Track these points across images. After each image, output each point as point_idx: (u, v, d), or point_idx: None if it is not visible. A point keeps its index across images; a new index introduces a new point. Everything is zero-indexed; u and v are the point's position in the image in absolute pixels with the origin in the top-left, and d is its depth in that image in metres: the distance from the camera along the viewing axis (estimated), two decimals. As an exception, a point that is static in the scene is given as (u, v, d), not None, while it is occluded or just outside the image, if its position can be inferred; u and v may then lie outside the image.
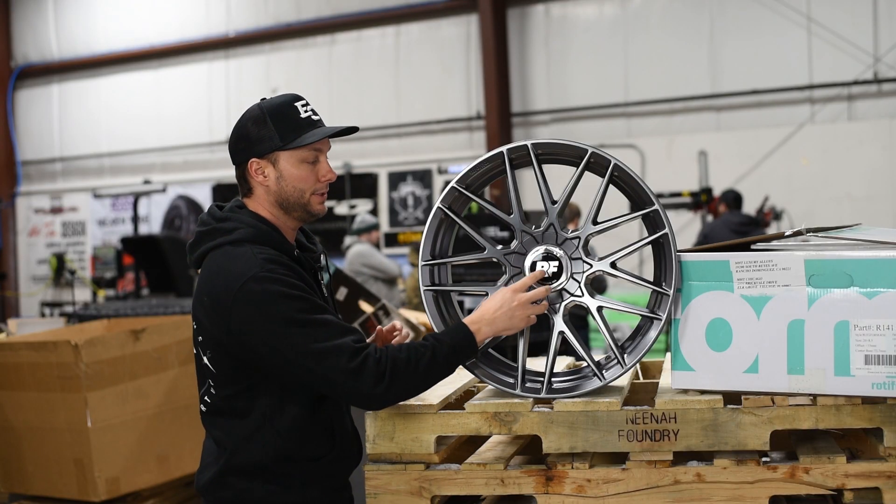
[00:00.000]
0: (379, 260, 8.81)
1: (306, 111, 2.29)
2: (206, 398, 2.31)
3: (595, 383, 2.27)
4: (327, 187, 2.33)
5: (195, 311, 2.29)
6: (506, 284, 2.32)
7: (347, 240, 9.22)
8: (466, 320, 2.25)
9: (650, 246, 2.36)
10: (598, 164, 2.31)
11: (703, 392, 2.24)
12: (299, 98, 2.31)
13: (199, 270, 2.32)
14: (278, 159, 2.26)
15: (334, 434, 2.31)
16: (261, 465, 2.24)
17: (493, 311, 2.24)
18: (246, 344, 2.16)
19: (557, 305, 2.31)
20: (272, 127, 2.25)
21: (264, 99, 2.32)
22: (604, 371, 2.29)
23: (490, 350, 2.38)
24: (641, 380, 2.78)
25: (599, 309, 2.31)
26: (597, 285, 7.35)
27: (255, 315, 2.13)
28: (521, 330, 2.29)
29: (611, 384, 2.29)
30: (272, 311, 2.12)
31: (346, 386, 2.12)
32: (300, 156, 2.27)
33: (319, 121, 2.31)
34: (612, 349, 2.30)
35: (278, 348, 2.13)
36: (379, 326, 2.91)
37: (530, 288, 2.26)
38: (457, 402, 2.41)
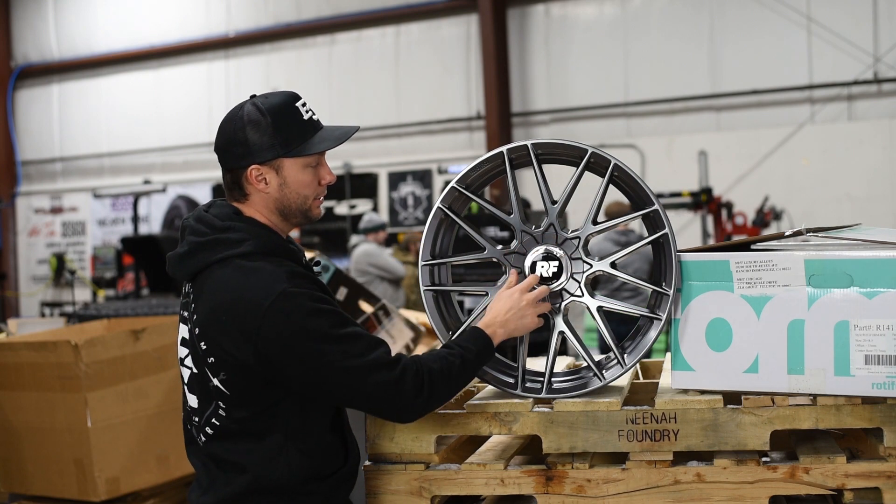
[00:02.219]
0: (385, 260, 8.79)
1: (307, 112, 2.18)
2: (213, 421, 2.14)
3: (595, 383, 2.27)
4: (325, 190, 2.25)
5: (207, 330, 2.10)
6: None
7: (354, 238, 9.22)
8: (480, 324, 2.22)
9: (650, 246, 2.36)
10: (598, 164, 2.31)
11: (703, 392, 2.24)
12: (297, 97, 2.18)
13: (194, 284, 2.16)
14: (282, 166, 2.14)
15: (346, 445, 2.26)
16: (287, 487, 2.12)
17: (504, 313, 2.22)
18: (276, 363, 2.04)
19: (558, 305, 2.31)
20: (275, 132, 2.11)
21: (254, 96, 2.18)
22: (604, 371, 2.29)
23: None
24: (641, 380, 2.77)
25: (599, 309, 2.31)
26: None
27: (289, 334, 2.01)
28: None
29: (611, 384, 2.29)
30: (306, 329, 2.02)
31: (387, 400, 2.06)
32: (305, 161, 2.17)
33: (319, 121, 2.22)
34: (612, 349, 2.30)
35: (314, 367, 2.03)
36: None
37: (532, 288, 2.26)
38: (457, 402, 2.41)
